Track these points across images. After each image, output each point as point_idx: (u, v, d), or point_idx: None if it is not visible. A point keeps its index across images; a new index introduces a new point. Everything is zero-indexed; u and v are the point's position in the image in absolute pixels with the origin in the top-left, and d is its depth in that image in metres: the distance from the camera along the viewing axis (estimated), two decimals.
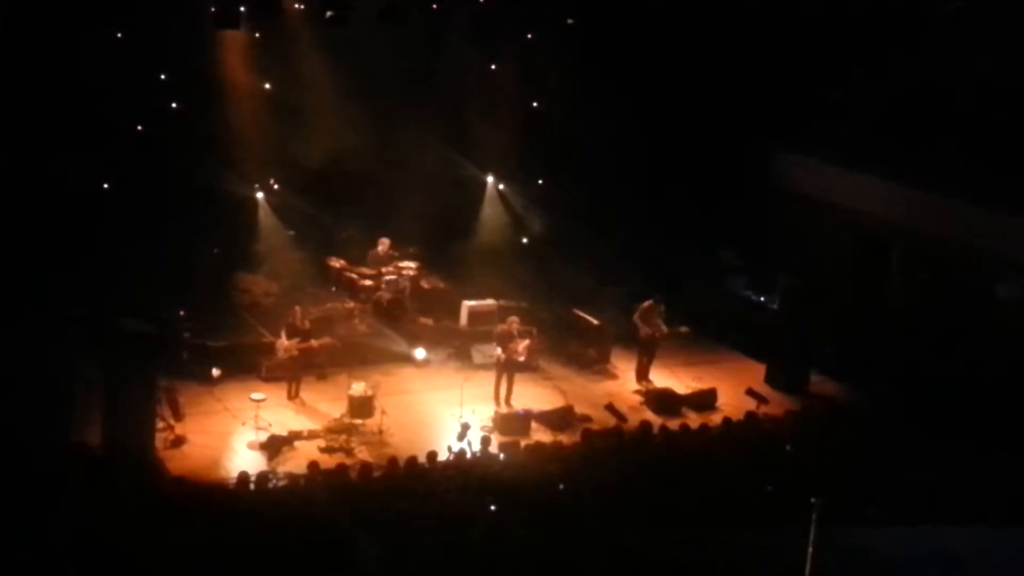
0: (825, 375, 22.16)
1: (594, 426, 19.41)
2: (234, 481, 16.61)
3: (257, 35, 23.00)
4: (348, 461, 17.62)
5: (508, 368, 20.32)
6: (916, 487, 17.05)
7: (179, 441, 18.07)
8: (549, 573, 14.69)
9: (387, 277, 22.58)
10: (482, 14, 23.76)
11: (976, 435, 18.58)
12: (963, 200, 21.90)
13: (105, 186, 22.03)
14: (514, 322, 20.71)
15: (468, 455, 17.69)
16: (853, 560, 14.50)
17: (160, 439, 17.83)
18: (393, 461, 17.13)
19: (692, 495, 16.30)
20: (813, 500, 13.24)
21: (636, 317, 21.69)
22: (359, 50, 23.23)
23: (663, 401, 20.74)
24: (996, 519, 16.15)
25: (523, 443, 18.51)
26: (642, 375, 21.63)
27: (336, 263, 23.22)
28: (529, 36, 24.46)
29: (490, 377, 20.50)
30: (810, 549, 13.25)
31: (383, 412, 19.06)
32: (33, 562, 13.76)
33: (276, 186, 23.78)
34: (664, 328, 21.71)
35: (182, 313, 20.45)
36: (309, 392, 20.02)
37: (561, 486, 16.46)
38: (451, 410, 19.47)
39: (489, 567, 14.67)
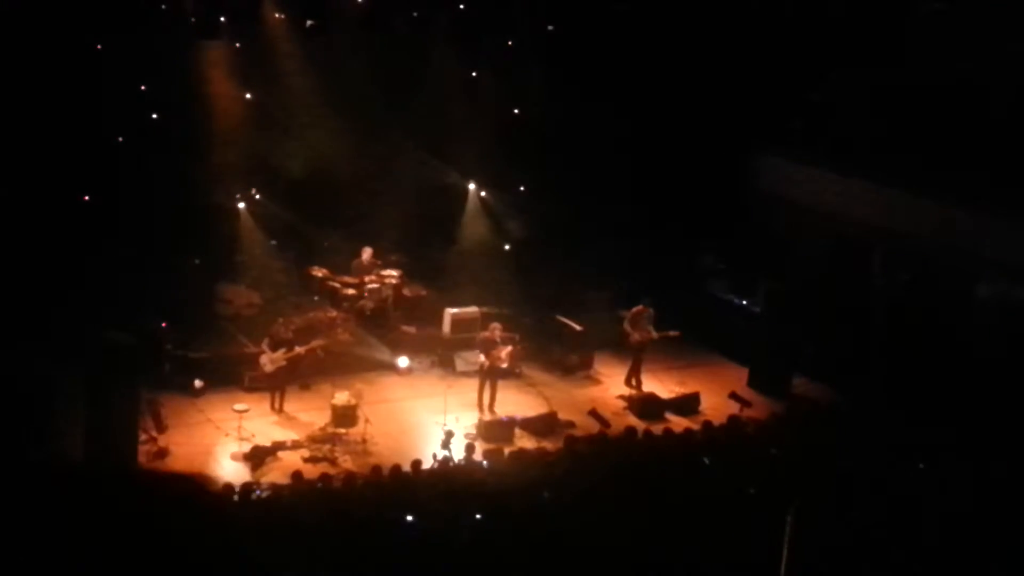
0: (808, 378, 22.23)
1: (578, 432, 19.44)
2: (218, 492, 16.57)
3: (237, 45, 22.97)
4: (332, 470, 17.62)
5: (491, 375, 20.36)
6: (898, 488, 17.10)
7: (162, 453, 18.05)
8: None
9: (369, 286, 22.58)
10: (463, 21, 23.77)
11: (959, 434, 18.64)
12: (943, 201, 22.00)
13: (86, 198, 21.98)
14: (497, 329, 20.74)
15: (452, 462, 17.70)
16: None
17: (143, 451, 17.81)
18: (377, 470, 17.13)
19: (675, 499, 16.32)
20: (789, 502, 13.29)
21: (626, 323, 21.76)
22: (340, 59, 23.23)
23: (646, 406, 20.81)
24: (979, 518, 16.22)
25: (507, 450, 18.55)
26: (631, 379, 21.71)
27: (318, 272, 23.20)
28: (510, 43, 24.48)
29: (473, 384, 20.54)
30: (785, 551, 13.30)
31: (367, 421, 19.07)
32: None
33: (257, 196, 23.75)
34: (654, 333, 21.79)
35: (164, 325, 20.42)
36: (292, 402, 20.02)
37: (546, 494, 16.45)
38: (435, 418, 19.50)
39: (474, 574, 14.68)
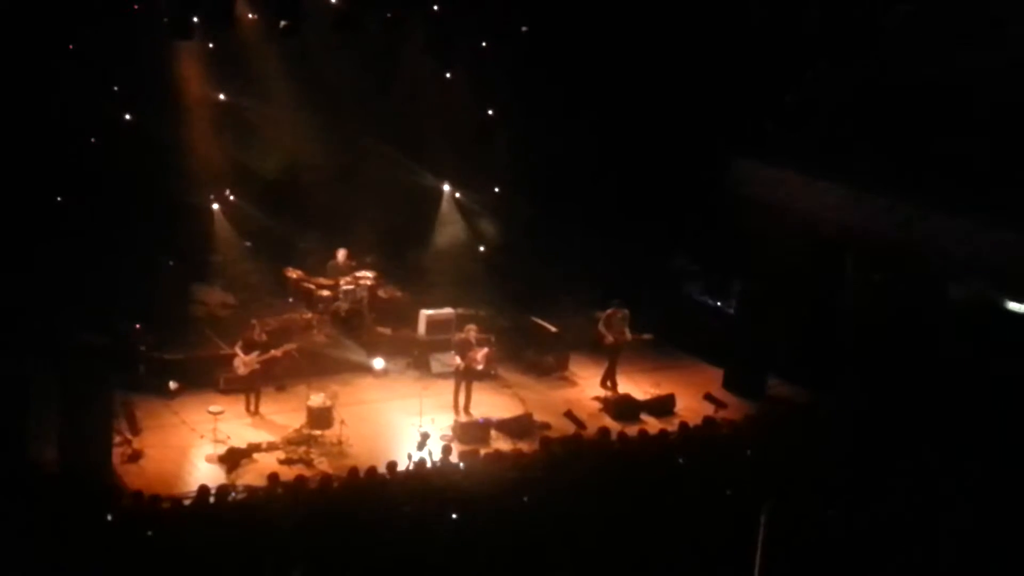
0: (782, 378, 22.33)
1: (553, 433, 19.45)
2: (193, 495, 16.51)
3: (211, 45, 22.86)
4: (308, 472, 17.57)
5: (467, 376, 20.37)
6: (874, 488, 17.20)
7: (136, 455, 17.97)
8: None
9: (344, 287, 22.55)
10: (436, 23, 23.73)
11: (932, 433, 18.76)
12: (915, 202, 22.12)
13: (59, 198, 21.83)
14: (472, 330, 20.77)
15: (428, 464, 17.68)
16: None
17: (117, 454, 17.73)
18: (353, 471, 17.07)
19: (651, 500, 16.36)
20: (764, 503, 13.37)
21: (601, 324, 21.82)
22: (313, 60, 23.17)
23: (622, 407, 20.86)
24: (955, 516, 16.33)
25: (483, 451, 18.54)
26: (607, 380, 21.75)
27: (293, 274, 23.17)
28: (484, 44, 24.45)
29: (449, 386, 20.55)
30: (759, 551, 13.37)
31: (342, 423, 19.06)
32: None
33: (232, 197, 23.68)
34: (628, 334, 21.86)
35: (138, 326, 20.33)
36: (268, 404, 19.98)
37: (525, 498, 16.45)
38: (410, 419, 19.52)
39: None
